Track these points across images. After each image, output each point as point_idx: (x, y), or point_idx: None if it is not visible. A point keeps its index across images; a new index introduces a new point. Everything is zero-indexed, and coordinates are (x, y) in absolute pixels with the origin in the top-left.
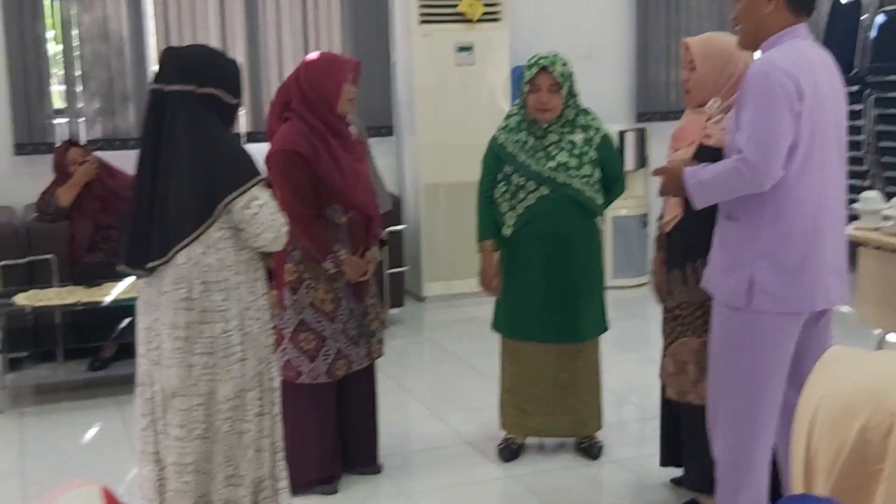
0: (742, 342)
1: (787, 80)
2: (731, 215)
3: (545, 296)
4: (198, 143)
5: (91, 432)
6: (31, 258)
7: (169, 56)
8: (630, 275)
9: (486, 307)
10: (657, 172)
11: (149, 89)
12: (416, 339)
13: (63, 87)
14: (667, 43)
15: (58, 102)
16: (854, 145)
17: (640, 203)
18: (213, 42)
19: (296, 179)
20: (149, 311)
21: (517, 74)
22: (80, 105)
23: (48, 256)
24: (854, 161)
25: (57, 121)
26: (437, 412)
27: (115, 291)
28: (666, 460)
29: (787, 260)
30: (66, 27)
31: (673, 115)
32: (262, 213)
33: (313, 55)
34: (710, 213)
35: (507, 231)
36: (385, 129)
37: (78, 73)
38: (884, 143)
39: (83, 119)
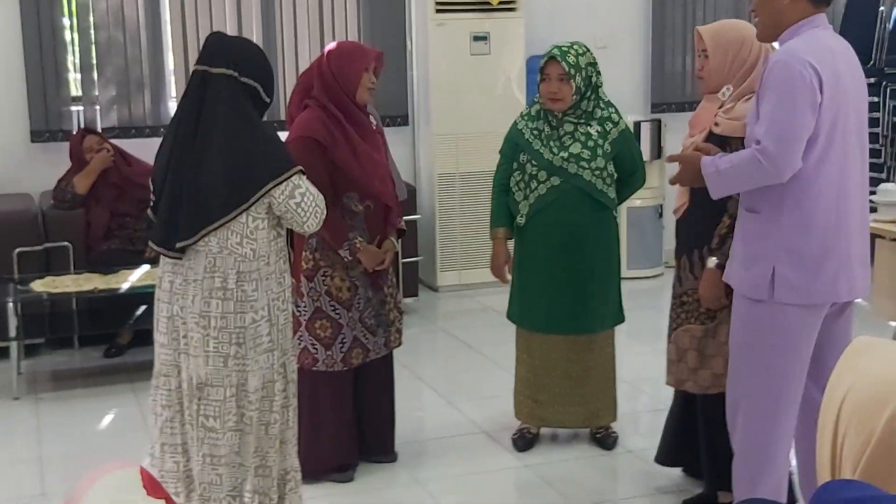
0: (763, 335)
1: (807, 71)
2: (752, 207)
3: (556, 286)
4: (236, 127)
5: (107, 418)
6: (48, 245)
7: (216, 41)
8: (645, 265)
9: (499, 297)
10: (672, 159)
11: (193, 70)
12: (430, 328)
13: (79, 75)
14: (683, 33)
15: (74, 90)
16: (872, 137)
17: (655, 194)
18: (229, 31)
19: (312, 166)
20: (174, 300)
21: (533, 64)
22: (96, 93)
23: (64, 243)
24: (872, 153)
25: (73, 108)
26: (451, 401)
27: (131, 279)
28: (665, 458)
29: (808, 251)
30: (82, 14)
31: (689, 105)
32: (304, 202)
33: (335, 43)
34: (715, 202)
35: (520, 220)
36: (400, 119)
37: (94, 60)
38: None
39: (99, 107)
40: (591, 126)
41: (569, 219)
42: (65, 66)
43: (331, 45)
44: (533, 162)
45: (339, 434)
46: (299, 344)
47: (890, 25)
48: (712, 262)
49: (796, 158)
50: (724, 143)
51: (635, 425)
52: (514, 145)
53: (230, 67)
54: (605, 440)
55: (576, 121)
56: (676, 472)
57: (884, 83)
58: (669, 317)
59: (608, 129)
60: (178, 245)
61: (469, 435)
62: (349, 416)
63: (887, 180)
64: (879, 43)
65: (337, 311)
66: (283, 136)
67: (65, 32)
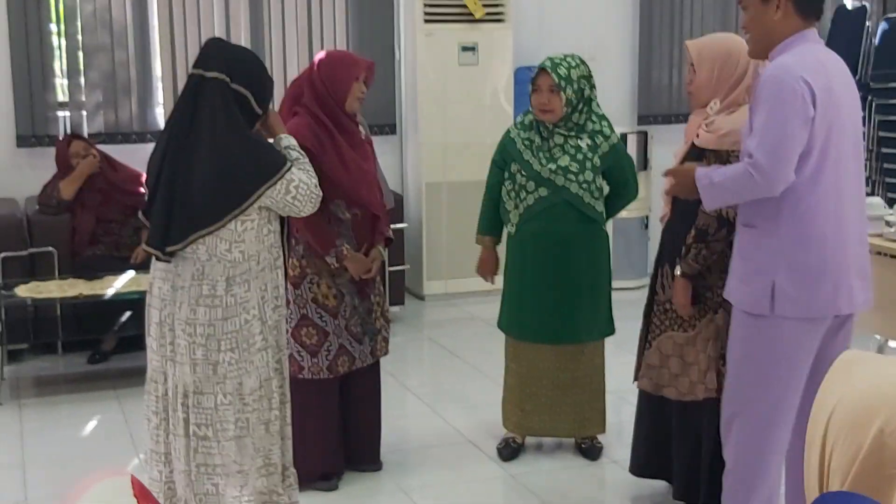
0: (762, 349)
1: (800, 85)
2: (749, 222)
3: (544, 296)
4: (221, 134)
5: (90, 425)
6: (33, 250)
7: (214, 45)
8: (630, 277)
9: (486, 306)
10: (669, 173)
11: (189, 73)
12: (416, 337)
13: (66, 80)
14: (670, 46)
15: (61, 95)
16: None
17: (641, 205)
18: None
19: None
20: (163, 306)
21: (521, 75)
22: (82, 98)
23: (49, 249)
24: None
25: (60, 113)
26: (436, 410)
27: (115, 285)
28: (643, 470)
29: (808, 264)
30: (69, 19)
31: (675, 117)
32: (299, 194)
33: (326, 52)
34: (694, 211)
35: (511, 229)
36: (388, 128)
37: (81, 66)
38: (886, 150)
39: (86, 112)
40: (581, 139)
41: (557, 229)
42: (52, 70)
43: (322, 54)
44: (522, 172)
45: (324, 442)
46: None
47: (875, 41)
48: (678, 269)
49: (788, 172)
50: (702, 154)
51: (620, 435)
52: (505, 154)
53: (222, 72)
54: (590, 450)
55: (566, 133)
56: (661, 484)
57: (869, 98)
58: (652, 322)
59: (598, 143)
60: (168, 249)
61: (454, 444)
62: (334, 424)
63: (872, 194)
64: (865, 58)
65: (323, 319)
66: None
67: (52, 37)
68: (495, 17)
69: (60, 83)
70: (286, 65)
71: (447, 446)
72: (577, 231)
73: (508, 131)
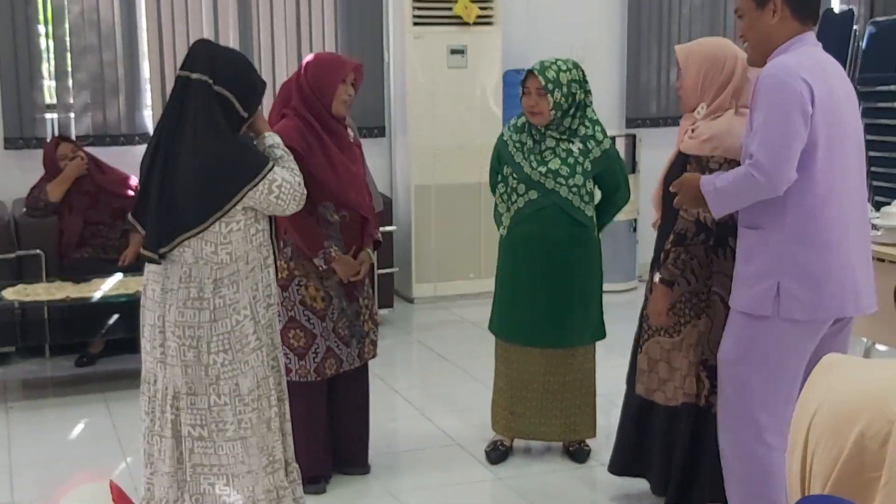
0: (760, 352)
1: (798, 84)
2: (752, 224)
3: (534, 299)
4: (203, 136)
5: (78, 428)
6: (20, 253)
7: (200, 46)
8: (618, 279)
9: (475, 309)
10: (675, 187)
11: (176, 76)
12: (404, 339)
13: (53, 83)
14: (658, 49)
15: (48, 97)
16: None
17: (629, 208)
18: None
19: None
20: (156, 308)
21: (510, 78)
22: (70, 100)
23: (37, 251)
24: None
25: (47, 115)
26: (425, 413)
27: (103, 287)
28: (621, 468)
29: (812, 265)
30: (57, 21)
31: (663, 121)
32: (283, 193)
33: (314, 54)
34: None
35: (502, 232)
36: (377, 130)
37: (69, 68)
38: (872, 153)
39: (73, 114)
40: (573, 143)
41: (547, 233)
42: (39, 72)
43: (310, 57)
44: (514, 175)
45: (312, 445)
46: None
47: (863, 44)
48: (657, 277)
49: (790, 170)
50: (685, 160)
51: (608, 439)
52: (498, 156)
53: (206, 74)
54: (579, 454)
55: (558, 136)
56: (648, 485)
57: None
58: (640, 327)
59: (590, 148)
60: (161, 251)
61: (443, 447)
62: (322, 427)
63: None
64: (853, 62)
65: (311, 321)
66: None
67: (39, 39)
68: (484, 20)
69: (48, 85)
70: (275, 67)
71: (436, 449)
72: (567, 235)
73: (501, 134)
